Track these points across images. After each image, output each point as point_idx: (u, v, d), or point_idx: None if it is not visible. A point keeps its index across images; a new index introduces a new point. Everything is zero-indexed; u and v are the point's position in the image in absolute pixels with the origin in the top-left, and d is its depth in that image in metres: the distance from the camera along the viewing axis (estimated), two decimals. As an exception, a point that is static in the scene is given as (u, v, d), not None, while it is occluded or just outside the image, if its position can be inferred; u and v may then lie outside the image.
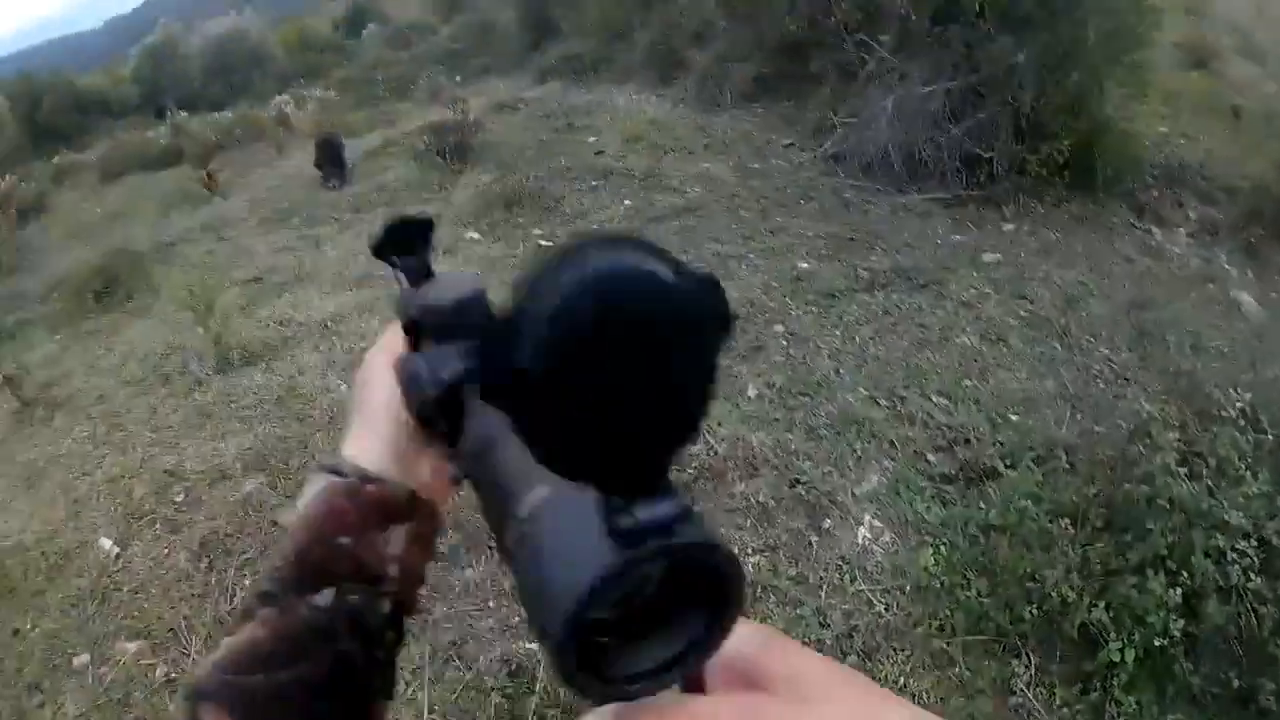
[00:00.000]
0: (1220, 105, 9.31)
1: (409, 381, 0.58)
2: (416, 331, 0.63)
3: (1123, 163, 6.69)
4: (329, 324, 5.51)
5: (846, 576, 3.17)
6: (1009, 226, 6.38)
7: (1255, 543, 2.71)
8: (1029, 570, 2.84)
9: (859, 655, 2.86)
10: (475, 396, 0.50)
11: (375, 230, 0.67)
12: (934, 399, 4.17)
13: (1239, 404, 3.23)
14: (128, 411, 4.99)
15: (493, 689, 2.82)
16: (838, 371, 4.43)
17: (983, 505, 3.38)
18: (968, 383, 4.32)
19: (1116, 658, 2.61)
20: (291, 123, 13.01)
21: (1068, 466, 3.46)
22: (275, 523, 3.72)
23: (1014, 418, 4.03)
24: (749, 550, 3.29)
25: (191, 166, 11.64)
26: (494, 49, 16.71)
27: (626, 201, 7.03)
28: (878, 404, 4.15)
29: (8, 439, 5.13)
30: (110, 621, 3.42)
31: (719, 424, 3.99)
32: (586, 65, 12.13)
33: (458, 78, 12.09)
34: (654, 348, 0.28)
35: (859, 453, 3.81)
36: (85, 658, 3.26)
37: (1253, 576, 2.65)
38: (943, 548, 3.23)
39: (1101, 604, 2.69)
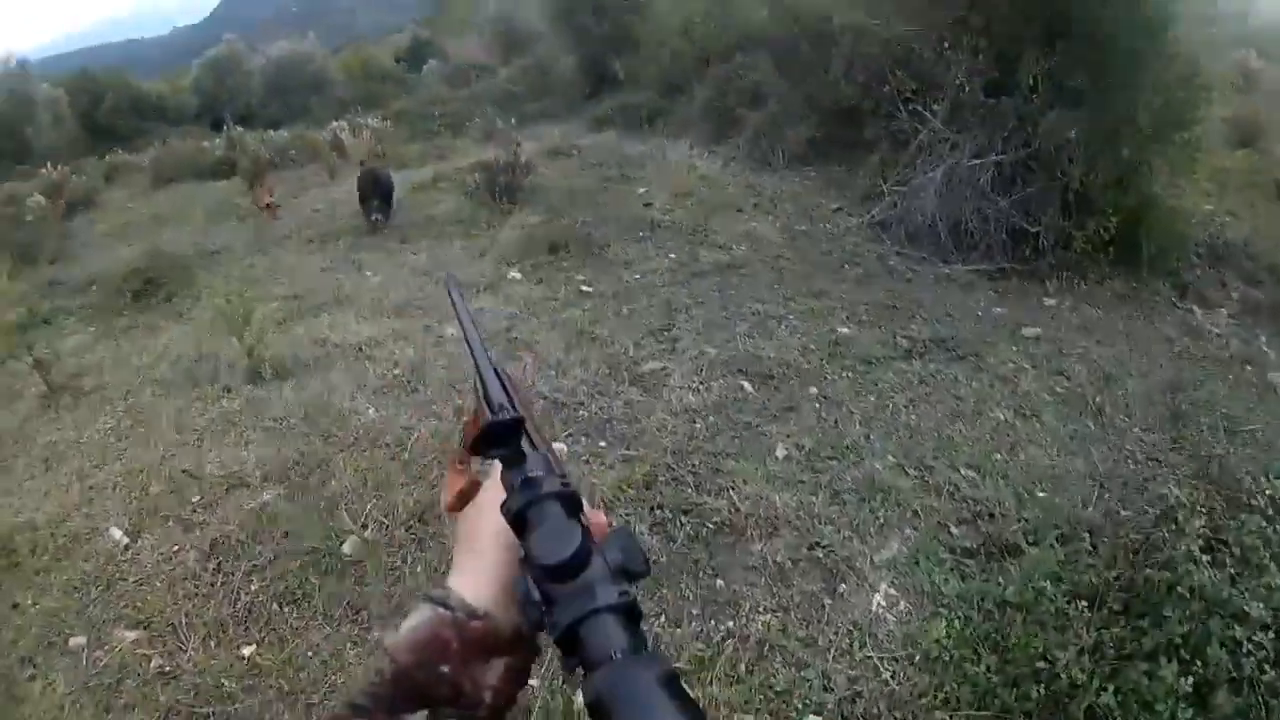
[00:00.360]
0: (1267, 183, 9.26)
1: (522, 603, 0.64)
2: (520, 524, 0.68)
3: (1168, 240, 6.63)
4: (364, 348, 5.56)
5: (856, 642, 3.08)
6: (1051, 301, 6.31)
7: (1273, 635, 2.61)
8: (1041, 650, 2.72)
9: (859, 721, 2.78)
10: (592, 642, 0.60)
11: (475, 435, 0.74)
12: (962, 471, 4.09)
13: (1268, 491, 3.15)
14: (153, 410, 5.05)
15: None
16: (868, 437, 4.36)
17: (1001, 581, 3.28)
18: (998, 457, 4.23)
19: None
20: (345, 148, 13.25)
21: (1090, 548, 3.37)
22: (287, 534, 3.73)
23: (1041, 495, 3.94)
24: (760, 609, 3.22)
25: (243, 180, 11.85)
26: (551, 94, 16.99)
27: (671, 255, 7.07)
28: (905, 473, 4.07)
29: (31, 420, 5.20)
30: (111, 608, 3.44)
31: (744, 482, 3.95)
32: (643, 117, 12.27)
33: (513, 120, 12.28)
34: None
35: (882, 520, 3.73)
36: (82, 640, 3.28)
37: (1267, 669, 2.54)
38: (956, 621, 3.13)
39: (1111, 688, 2.56)
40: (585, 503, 0.72)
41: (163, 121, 26.73)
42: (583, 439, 4.38)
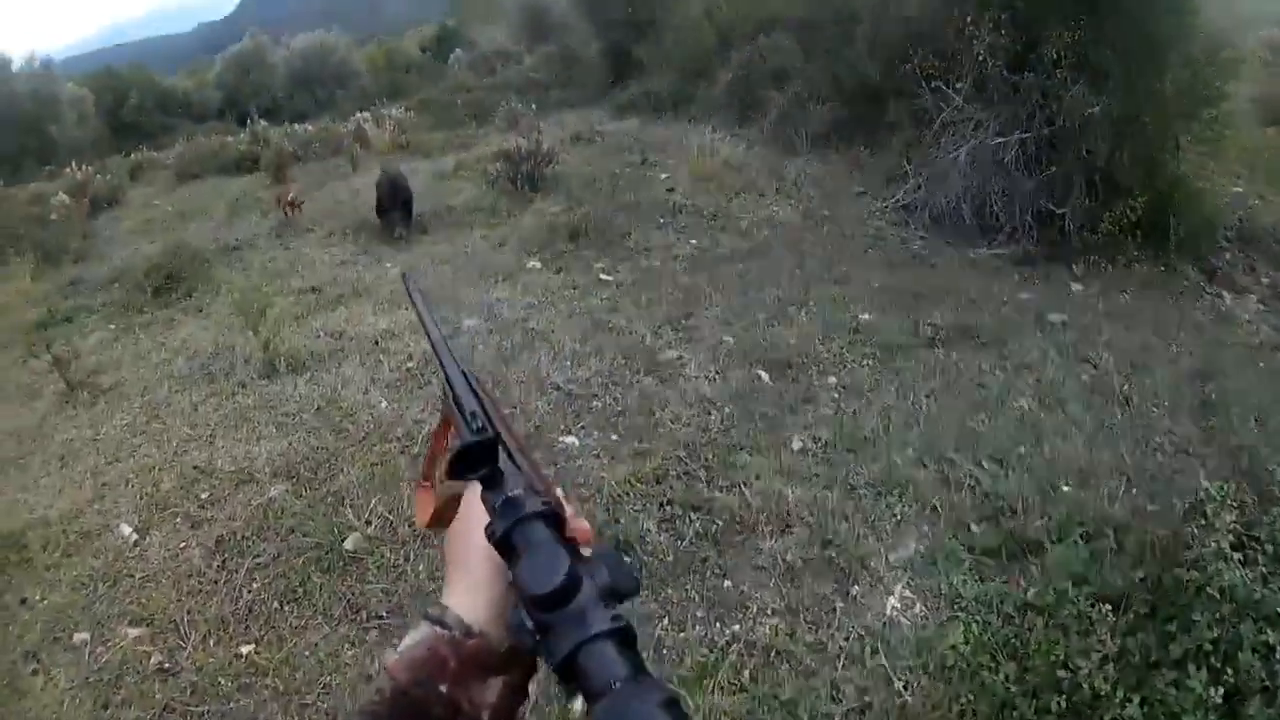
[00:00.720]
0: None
1: (515, 632, 0.64)
2: (506, 549, 0.68)
3: (1196, 223, 6.46)
4: (379, 340, 5.53)
5: (868, 648, 2.94)
6: (1077, 286, 6.15)
7: (1309, 640, 2.46)
8: (1062, 657, 2.57)
9: (869, 735, 2.66)
10: (591, 672, 0.60)
11: (446, 460, 0.75)
12: (984, 465, 3.94)
13: (1302, 485, 2.98)
14: (168, 405, 5.06)
15: None
16: (887, 429, 4.24)
17: (1023, 582, 3.15)
18: (1021, 449, 4.08)
19: None
20: (368, 139, 13.23)
21: (1116, 546, 3.22)
22: (292, 531, 3.69)
23: (1066, 489, 3.78)
24: (768, 611, 3.11)
25: (266, 174, 11.90)
26: (575, 81, 16.91)
27: (693, 241, 7.00)
28: (925, 466, 3.94)
29: (50, 418, 5.22)
30: (116, 605, 3.44)
31: (757, 476, 3.85)
32: (666, 102, 12.16)
33: (533, 105, 12.16)
34: None
35: (898, 516, 3.61)
36: (85, 635, 3.28)
37: (1302, 677, 2.39)
38: (974, 626, 2.97)
39: (1136, 699, 2.40)
40: (570, 508, 0.72)
41: (187, 118, 26.97)
42: (595, 432, 4.30)
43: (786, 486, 3.77)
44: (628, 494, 3.76)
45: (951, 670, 2.83)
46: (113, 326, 6.73)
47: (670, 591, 3.23)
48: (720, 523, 3.57)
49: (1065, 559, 3.11)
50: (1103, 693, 2.41)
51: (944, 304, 5.68)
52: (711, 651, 2.94)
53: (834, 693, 2.77)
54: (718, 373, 4.79)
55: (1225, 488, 2.94)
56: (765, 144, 9.65)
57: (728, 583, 3.27)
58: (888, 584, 3.23)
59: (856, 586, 3.23)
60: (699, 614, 3.13)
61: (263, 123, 15.43)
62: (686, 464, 3.96)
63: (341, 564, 3.47)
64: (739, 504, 3.68)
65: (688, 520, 3.59)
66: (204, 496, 4.05)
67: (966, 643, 2.90)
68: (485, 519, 0.69)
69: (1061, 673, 2.52)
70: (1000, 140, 6.78)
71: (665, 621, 3.10)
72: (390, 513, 3.73)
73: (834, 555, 3.37)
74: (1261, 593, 2.52)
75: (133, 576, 3.58)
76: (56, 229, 10.26)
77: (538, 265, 6.68)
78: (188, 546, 3.70)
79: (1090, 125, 6.40)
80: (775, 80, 10.60)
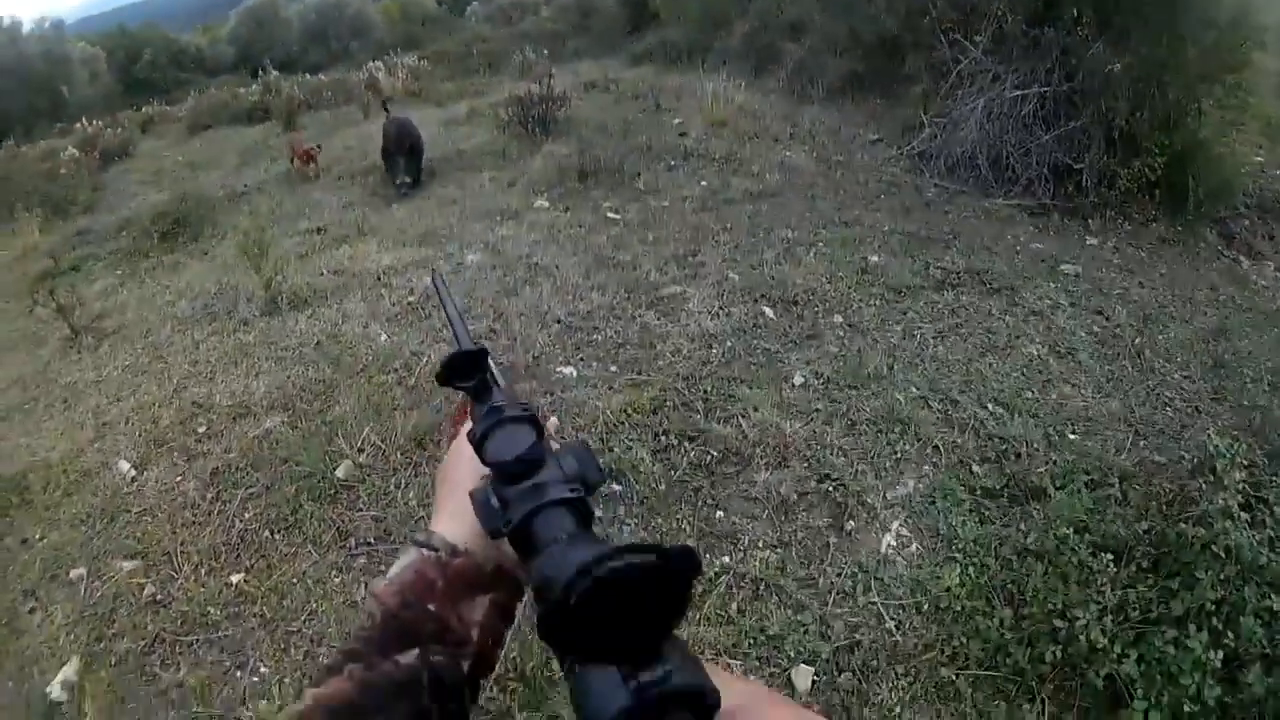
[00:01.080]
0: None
1: (481, 510, 0.67)
2: (482, 445, 0.72)
3: (1215, 187, 6.27)
4: (381, 276, 5.51)
5: (860, 585, 2.89)
6: (1093, 240, 6.00)
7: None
8: (1060, 606, 2.50)
9: (855, 673, 2.58)
10: (541, 532, 0.63)
11: (437, 364, 0.79)
12: (990, 407, 3.86)
13: (1315, 449, 2.88)
14: (170, 345, 5.08)
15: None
16: (891, 368, 4.15)
17: (1023, 527, 3.07)
18: (1028, 394, 3.99)
19: (1140, 719, 2.28)
20: (381, 87, 13.12)
21: (1120, 495, 3.13)
22: (286, 461, 3.67)
23: (1072, 437, 3.69)
24: (760, 544, 3.05)
25: (278, 122, 11.85)
26: (592, 32, 16.63)
27: (703, 183, 6.88)
28: (929, 405, 3.85)
29: (54, 363, 5.26)
30: (113, 540, 3.46)
31: (755, 409, 3.78)
32: (682, 52, 11.96)
33: (544, 51, 11.98)
34: (634, 599, 0.48)
35: (899, 454, 3.52)
36: (82, 571, 3.32)
37: (1305, 649, 2.31)
38: (971, 568, 2.92)
39: (1133, 655, 2.34)
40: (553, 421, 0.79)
41: (201, 73, 26.90)
42: (594, 363, 4.26)
43: (785, 420, 3.70)
44: (623, 424, 3.71)
45: (945, 612, 2.78)
46: (119, 272, 6.77)
47: (660, 521, 3.19)
48: (715, 454, 3.51)
49: (1068, 505, 3.01)
50: (1100, 645, 2.36)
51: (955, 249, 5.56)
52: (700, 582, 2.89)
53: (823, 629, 2.72)
54: (721, 308, 4.71)
55: (1236, 445, 2.86)
56: (781, 93, 9.47)
57: (720, 514, 3.22)
58: (884, 521, 3.17)
59: (852, 522, 3.16)
60: (689, 544, 3.06)
61: (274, 71, 15.30)
62: (684, 395, 3.90)
63: (333, 492, 3.46)
64: (735, 436, 3.61)
65: (682, 450, 3.53)
66: (201, 431, 4.05)
67: (962, 585, 2.86)
68: (474, 456, 0.72)
69: (1059, 622, 2.47)
70: (1019, 93, 6.60)
71: (653, 551, 3.05)
72: (383, 441, 3.71)
73: (830, 490, 3.31)
74: (1268, 556, 2.45)
75: (129, 511, 3.60)
76: (65, 182, 10.30)
77: (545, 205, 6.60)
78: (183, 480, 3.72)
79: (1110, 83, 6.21)
80: (792, 31, 10.42)
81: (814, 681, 2.54)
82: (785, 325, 4.56)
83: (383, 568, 3.06)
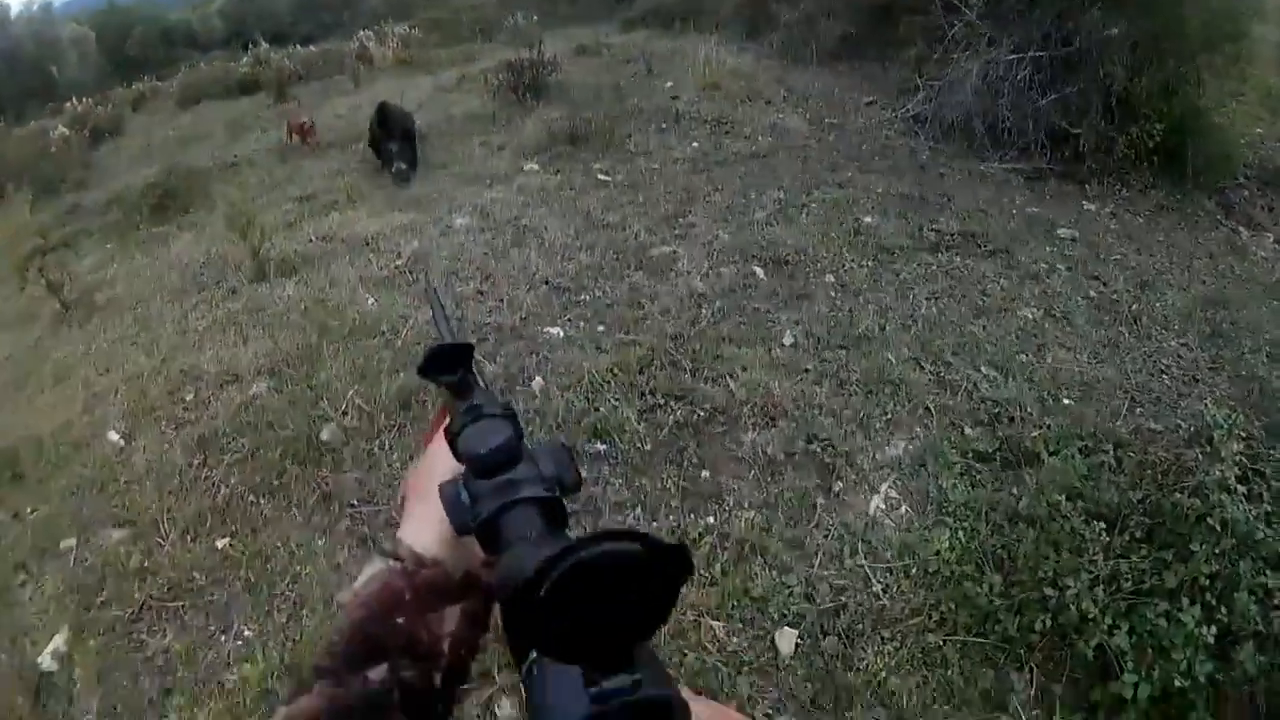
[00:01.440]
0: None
1: (450, 505, 0.66)
2: (457, 444, 0.71)
3: (1214, 156, 6.24)
4: (369, 241, 5.48)
5: (847, 548, 2.86)
6: (1090, 206, 5.96)
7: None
8: (1051, 574, 2.47)
9: (840, 637, 2.56)
10: (510, 528, 0.62)
11: (421, 356, 0.78)
12: (983, 369, 3.82)
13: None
14: (160, 316, 5.05)
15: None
16: (883, 328, 4.10)
17: (1015, 491, 3.03)
18: (1023, 357, 3.96)
19: (1129, 693, 2.23)
20: (372, 57, 13.01)
21: (1114, 463, 3.07)
22: (271, 426, 3.65)
23: (1067, 401, 3.66)
24: (745, 505, 3.02)
25: (268, 94, 11.77)
26: (585, -3, 16.48)
27: (694, 145, 6.82)
28: (920, 367, 3.82)
29: (45, 339, 5.26)
30: (102, 510, 3.45)
31: (744, 369, 3.74)
32: (675, 16, 11.83)
33: (535, 17, 11.88)
34: (613, 593, 0.43)
35: (889, 415, 3.49)
36: (72, 542, 3.31)
37: (1298, 627, 2.28)
38: (961, 532, 2.88)
39: (1125, 627, 2.31)
40: None
41: (193, 48, 26.76)
42: (581, 324, 4.22)
43: (774, 379, 3.66)
44: (609, 383, 3.67)
45: (934, 577, 2.75)
46: (109, 247, 6.77)
47: (645, 480, 3.15)
48: (702, 413, 3.47)
49: (1061, 471, 2.96)
50: (1091, 616, 2.33)
51: (950, 211, 5.51)
52: (684, 542, 2.86)
53: (809, 591, 2.69)
54: (711, 268, 4.67)
55: (1233, 416, 2.82)
56: (774, 56, 9.40)
57: (705, 473, 3.19)
58: (873, 483, 3.14)
59: (840, 483, 3.13)
60: (673, 503, 3.05)
61: (265, 44, 15.17)
62: (672, 355, 3.85)
63: (317, 455, 3.43)
64: (723, 395, 3.57)
65: (669, 410, 3.50)
66: (189, 399, 4.03)
67: (952, 549, 2.82)
68: (449, 457, 0.71)
69: (1049, 590, 2.43)
70: (1015, 57, 6.53)
71: (639, 510, 3.03)
72: (368, 404, 3.68)
73: (818, 450, 3.27)
74: (1264, 532, 2.42)
75: (118, 481, 3.58)
76: (56, 161, 10.29)
77: (535, 168, 6.54)
78: (171, 447, 3.69)
79: (1109, 48, 6.16)
80: (787, -6, 10.29)
81: (798, 644, 2.52)
82: (776, 285, 4.52)
83: (365, 528, 3.06)
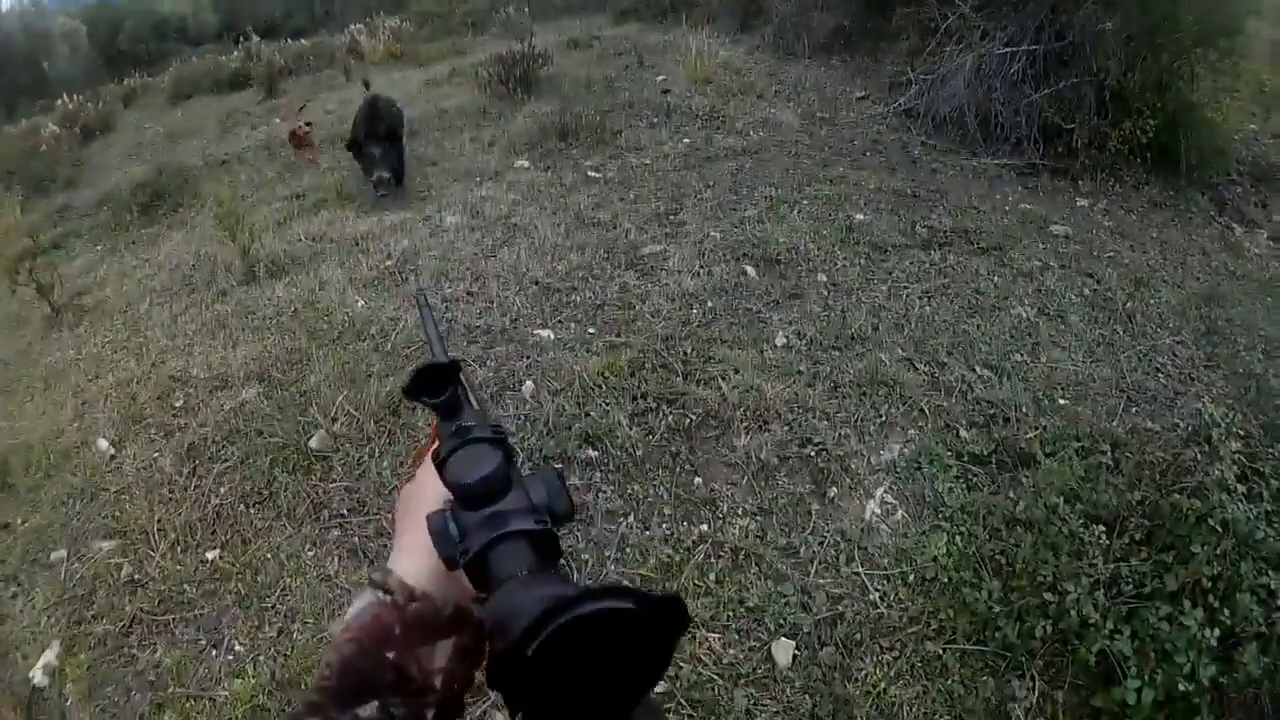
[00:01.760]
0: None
1: (438, 538, 0.64)
2: (444, 471, 0.69)
3: (1208, 154, 6.23)
4: (359, 241, 5.43)
5: (843, 555, 2.83)
6: (1083, 202, 5.93)
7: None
8: (1051, 579, 2.44)
9: (838, 647, 2.53)
10: (499, 564, 0.60)
11: (406, 377, 0.75)
12: (977, 369, 3.80)
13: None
14: (149, 319, 5.01)
15: None
16: (876, 328, 4.08)
17: (1012, 494, 3.01)
18: (1017, 357, 3.93)
19: (1133, 698, 2.20)
20: (363, 50, 12.95)
21: (1112, 464, 3.05)
22: (260, 433, 3.62)
23: (1062, 401, 3.64)
24: (739, 511, 3.00)
25: (259, 89, 11.71)
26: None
27: (685, 140, 6.77)
28: (914, 367, 3.79)
29: (35, 344, 5.22)
30: (92, 520, 3.42)
31: (736, 371, 3.70)
32: (666, 9, 11.78)
33: (526, 10, 11.83)
34: (605, 653, 0.40)
35: (884, 417, 3.46)
36: (62, 553, 3.28)
37: (1301, 628, 2.25)
38: (958, 537, 2.86)
39: (1126, 632, 2.28)
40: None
41: (184, 42, 26.60)
42: (571, 325, 4.18)
43: (766, 382, 3.63)
44: (600, 386, 3.63)
45: (932, 583, 2.73)
46: (99, 248, 6.72)
47: (637, 487, 3.13)
48: (694, 417, 3.44)
49: (1058, 473, 2.93)
50: (1091, 621, 2.30)
51: (942, 207, 5.48)
52: (677, 551, 2.85)
53: (805, 600, 2.67)
54: (702, 267, 4.63)
55: (1231, 415, 2.80)
56: (766, 50, 9.34)
57: (698, 479, 3.16)
58: (868, 487, 3.11)
59: (835, 488, 3.10)
60: (666, 511, 3.02)
61: (255, 37, 15.07)
62: (663, 357, 3.82)
63: (306, 463, 3.40)
64: (715, 398, 3.54)
65: (660, 414, 3.46)
66: (179, 405, 3.99)
67: (949, 555, 2.80)
68: (439, 482, 0.69)
69: (1049, 595, 2.41)
70: (1008, 51, 6.50)
71: (630, 518, 3.00)
72: (357, 409, 3.64)
73: (812, 455, 3.24)
74: (1265, 531, 2.39)
75: (108, 490, 3.55)
76: (46, 160, 10.22)
77: (525, 164, 6.49)
78: (160, 456, 3.66)
79: (1102, 42, 6.13)
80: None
81: (795, 655, 2.49)
82: (767, 284, 4.48)
83: (355, 539, 3.04)
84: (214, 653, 2.73)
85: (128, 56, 25.35)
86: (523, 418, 3.48)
